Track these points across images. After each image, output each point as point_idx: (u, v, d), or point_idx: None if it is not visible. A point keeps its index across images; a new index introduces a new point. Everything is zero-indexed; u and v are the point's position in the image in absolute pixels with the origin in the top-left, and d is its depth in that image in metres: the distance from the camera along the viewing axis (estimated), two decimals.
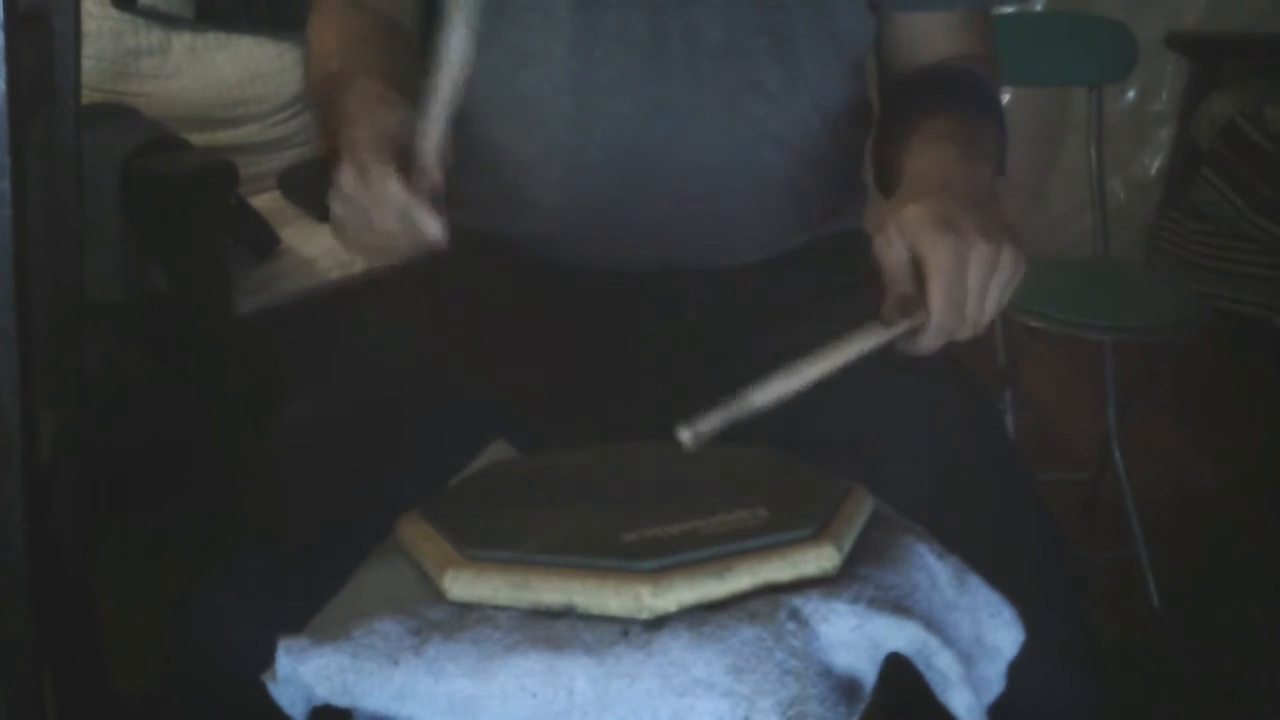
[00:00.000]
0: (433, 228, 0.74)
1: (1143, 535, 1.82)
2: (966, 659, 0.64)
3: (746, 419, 0.72)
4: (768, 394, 0.73)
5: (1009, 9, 2.90)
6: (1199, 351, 2.22)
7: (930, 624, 0.62)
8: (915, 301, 0.75)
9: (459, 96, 0.74)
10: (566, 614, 0.61)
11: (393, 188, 0.73)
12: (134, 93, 2.01)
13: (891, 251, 0.76)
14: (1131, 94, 2.97)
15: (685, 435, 0.70)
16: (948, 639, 0.62)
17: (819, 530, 0.64)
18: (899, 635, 0.61)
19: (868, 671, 0.61)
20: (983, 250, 0.73)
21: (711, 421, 0.71)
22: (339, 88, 0.83)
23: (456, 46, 0.72)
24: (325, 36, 0.99)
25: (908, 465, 0.81)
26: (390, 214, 0.74)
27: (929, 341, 0.76)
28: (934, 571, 0.66)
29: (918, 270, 0.75)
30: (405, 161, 0.75)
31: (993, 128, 0.93)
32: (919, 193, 0.78)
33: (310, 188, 2.06)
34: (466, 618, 0.61)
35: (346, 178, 0.75)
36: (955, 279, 0.73)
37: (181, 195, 1.70)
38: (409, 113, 0.76)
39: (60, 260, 1.10)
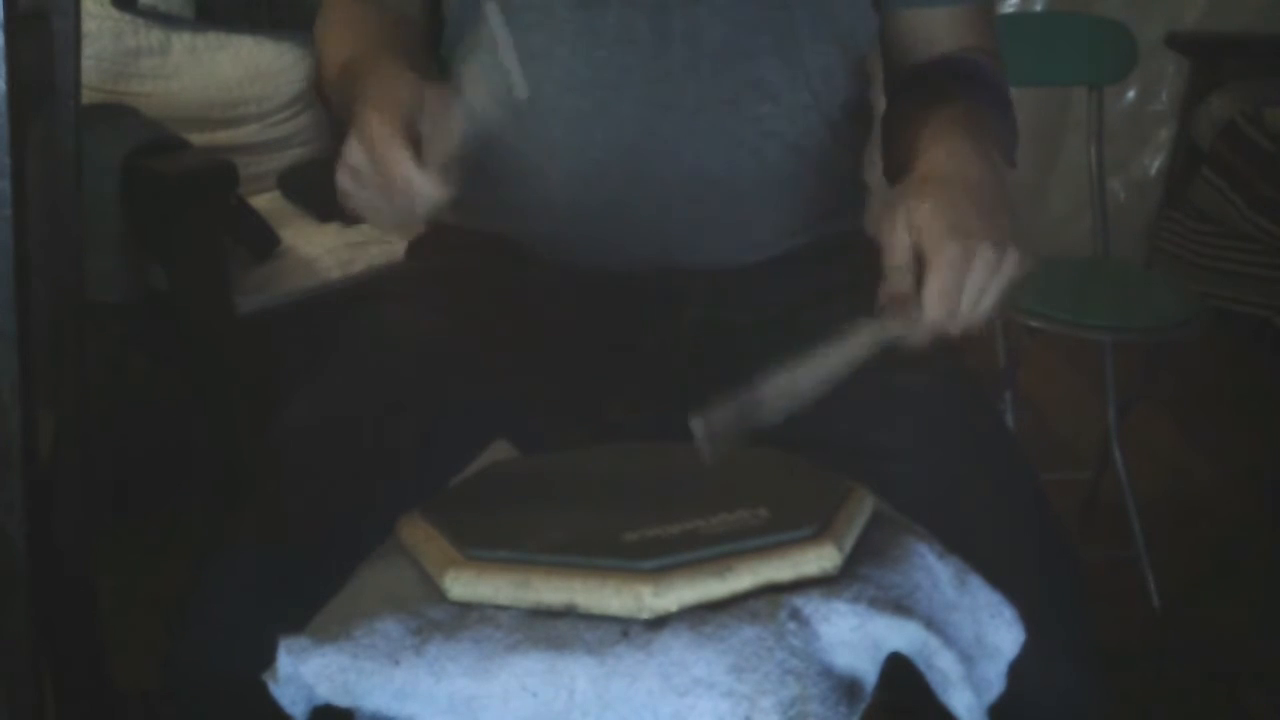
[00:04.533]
0: (435, 197, 0.74)
1: (1143, 535, 1.82)
2: (967, 659, 0.64)
3: (755, 417, 0.72)
4: (779, 392, 0.73)
5: (1009, 9, 2.90)
6: (1199, 351, 2.22)
7: (931, 624, 0.62)
8: (910, 297, 0.75)
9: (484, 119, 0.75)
10: (567, 614, 0.61)
11: (401, 163, 0.73)
12: (134, 93, 2.01)
13: (896, 241, 0.76)
14: (1131, 94, 2.97)
15: (698, 427, 0.70)
16: (948, 639, 0.62)
17: (820, 530, 0.64)
18: (900, 635, 0.61)
19: (869, 671, 0.61)
20: (988, 254, 0.73)
21: (724, 415, 0.71)
22: (354, 75, 0.83)
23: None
24: (336, 33, 0.99)
25: (908, 465, 0.81)
26: (396, 187, 0.74)
27: (918, 337, 0.76)
28: (935, 571, 0.66)
29: (919, 263, 0.75)
30: (414, 134, 0.75)
31: (1003, 118, 0.93)
32: (933, 186, 0.78)
33: (310, 188, 2.06)
34: (467, 617, 0.61)
35: (354, 151, 0.75)
36: (955, 282, 0.73)
37: (181, 195, 1.70)
38: (420, 88, 0.76)
39: (60, 260, 1.10)
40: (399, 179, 0.74)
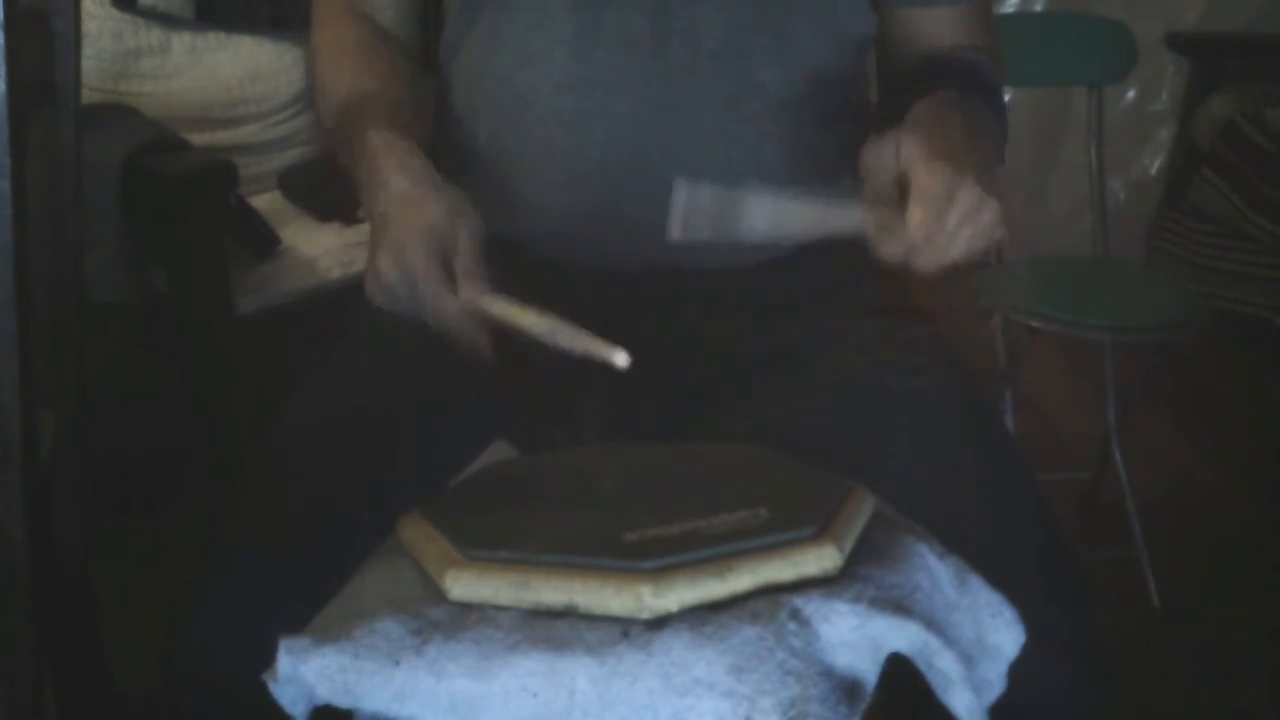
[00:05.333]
0: (480, 344, 0.77)
1: (1143, 535, 1.82)
2: (967, 659, 0.64)
3: (733, 216, 0.74)
4: (761, 206, 0.75)
5: (1009, 9, 2.90)
6: (1199, 351, 2.22)
7: (931, 624, 0.62)
8: (893, 215, 0.76)
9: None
10: (568, 614, 0.61)
11: (437, 285, 0.76)
12: (134, 93, 2.01)
13: (881, 164, 0.77)
14: (1131, 94, 2.97)
15: (680, 193, 0.73)
16: (949, 639, 0.62)
17: (820, 530, 0.64)
18: (900, 635, 0.61)
19: (869, 671, 0.61)
20: (971, 190, 0.74)
21: (706, 195, 0.73)
22: (364, 148, 0.85)
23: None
24: (332, 62, 1.00)
25: (908, 465, 0.81)
26: (434, 318, 0.77)
27: (891, 248, 0.76)
28: (935, 572, 0.66)
29: (902, 194, 0.76)
30: (446, 255, 0.78)
31: (994, 116, 0.93)
32: (923, 129, 0.79)
33: (310, 188, 2.06)
34: (468, 618, 0.61)
35: (390, 272, 0.78)
36: (938, 203, 0.74)
37: (181, 195, 1.70)
38: (452, 215, 0.79)
39: (60, 260, 1.10)
40: (440, 314, 0.77)
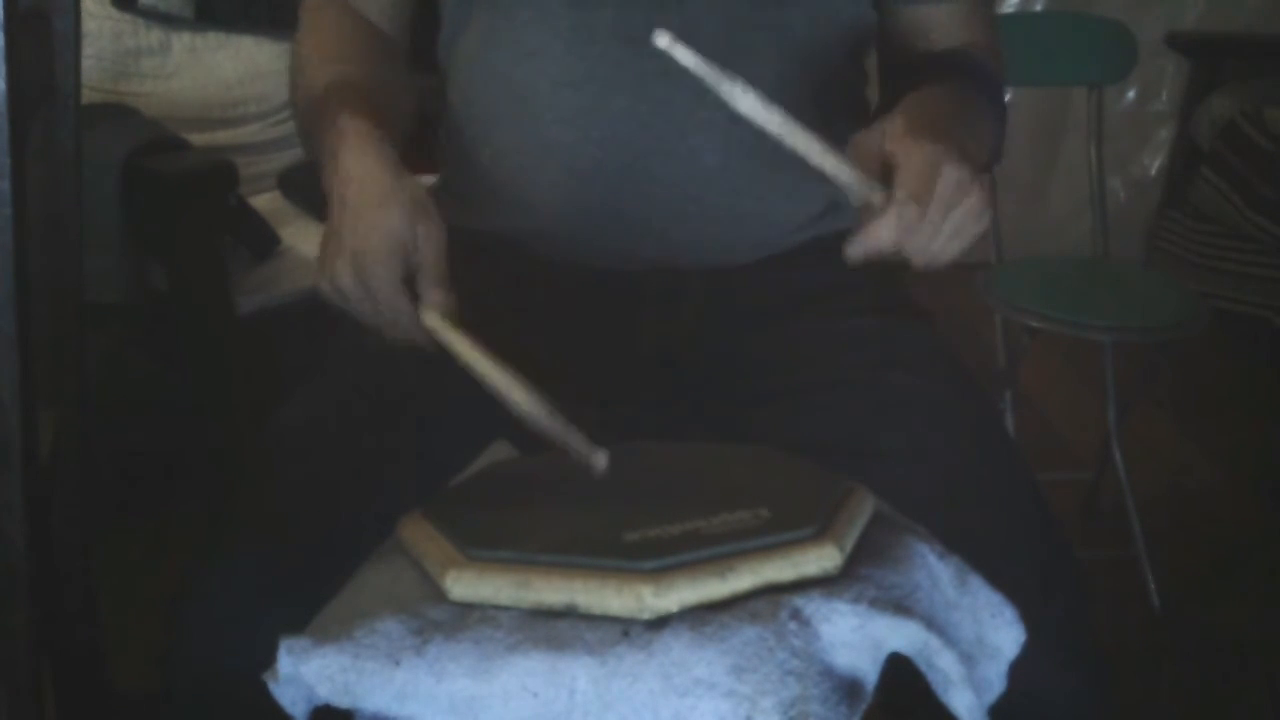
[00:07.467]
0: (428, 346, 0.77)
1: (1143, 535, 1.82)
2: (968, 659, 0.64)
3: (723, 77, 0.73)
4: (748, 96, 0.73)
5: (1009, 9, 2.90)
6: (1199, 351, 2.22)
7: (932, 624, 0.62)
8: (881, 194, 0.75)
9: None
10: (568, 614, 0.61)
11: (400, 306, 0.76)
12: (134, 93, 2.01)
13: (868, 148, 0.76)
14: (1131, 94, 2.97)
15: (662, 38, 0.72)
16: (949, 639, 0.62)
17: (820, 530, 0.64)
18: (900, 635, 0.61)
19: (869, 671, 0.61)
20: (956, 166, 0.73)
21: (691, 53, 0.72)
22: (330, 135, 0.84)
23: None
24: (316, 47, 1.00)
25: (908, 465, 0.81)
26: (388, 321, 0.77)
27: (883, 231, 0.74)
28: (935, 572, 0.66)
29: (889, 177, 0.75)
30: (407, 264, 0.77)
31: (992, 112, 0.92)
32: (911, 112, 0.78)
33: (310, 188, 2.06)
34: (468, 618, 0.61)
35: (345, 277, 0.77)
36: (923, 178, 0.73)
37: (181, 195, 1.70)
38: (413, 215, 0.78)
39: (60, 260, 1.10)
40: (396, 322, 0.77)
